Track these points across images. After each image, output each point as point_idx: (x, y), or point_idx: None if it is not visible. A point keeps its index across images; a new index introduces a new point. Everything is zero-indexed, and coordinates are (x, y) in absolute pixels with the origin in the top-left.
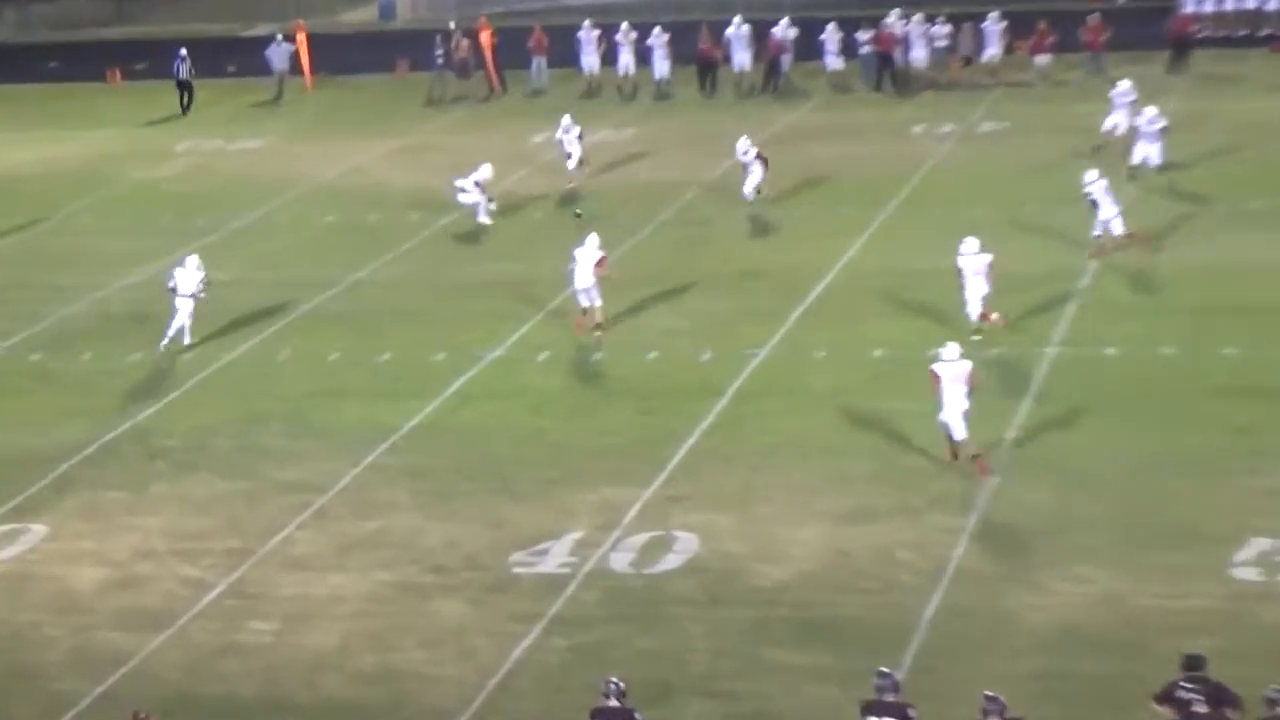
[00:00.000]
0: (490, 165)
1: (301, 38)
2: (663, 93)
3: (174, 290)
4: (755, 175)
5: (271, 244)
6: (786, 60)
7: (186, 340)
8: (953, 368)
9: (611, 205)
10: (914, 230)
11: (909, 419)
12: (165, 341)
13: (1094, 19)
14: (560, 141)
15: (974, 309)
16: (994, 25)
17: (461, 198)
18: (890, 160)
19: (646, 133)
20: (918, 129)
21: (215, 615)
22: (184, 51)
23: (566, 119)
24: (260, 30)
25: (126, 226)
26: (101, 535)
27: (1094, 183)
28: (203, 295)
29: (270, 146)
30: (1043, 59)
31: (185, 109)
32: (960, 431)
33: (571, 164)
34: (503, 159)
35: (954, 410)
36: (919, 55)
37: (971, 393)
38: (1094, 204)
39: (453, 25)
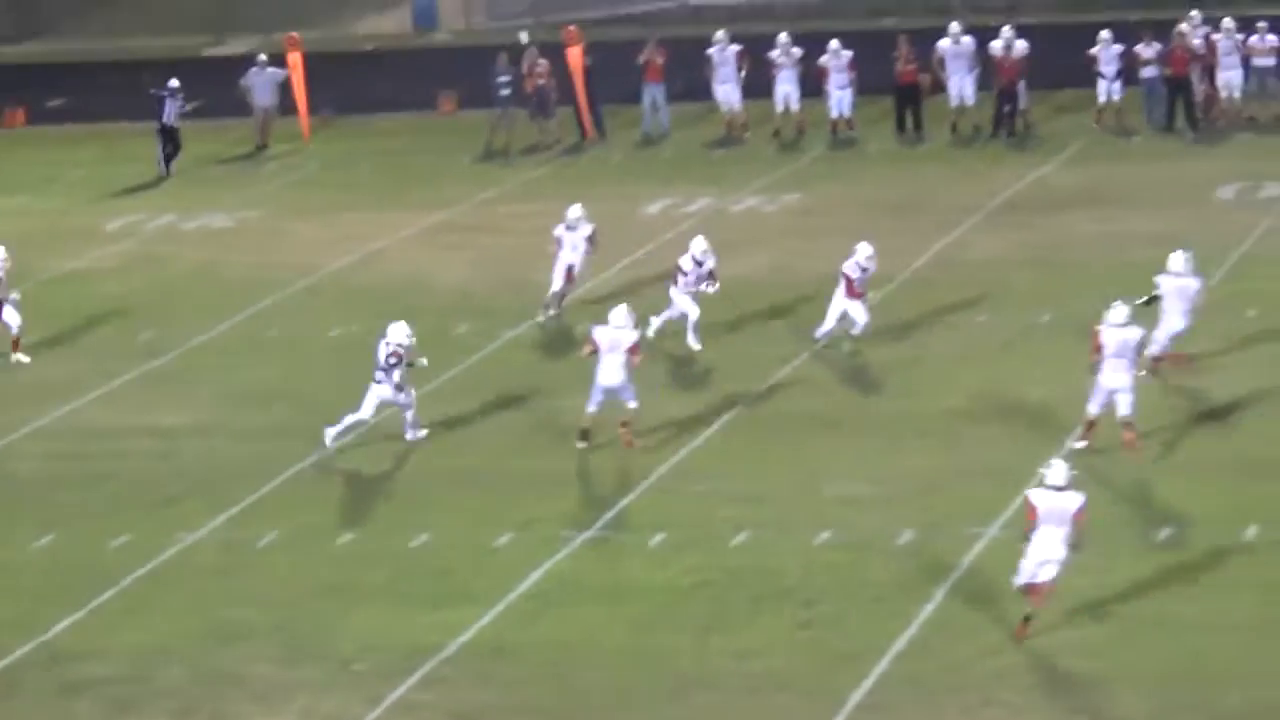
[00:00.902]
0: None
1: (295, 59)
2: (843, 136)
3: None
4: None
5: (251, 371)
6: (1022, 90)
7: None
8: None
9: (765, 308)
10: (1217, 345)
11: (1207, 632)
12: None
13: None
14: (559, 240)
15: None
16: None
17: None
18: (1185, 238)
19: (818, 199)
20: (1227, 191)
21: None
22: (175, 83)
23: (575, 210)
24: (234, 48)
25: (35, 344)
26: None
27: None
28: None
29: (248, 223)
30: None
31: (167, 166)
32: None
33: (558, 279)
34: (602, 239)
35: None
36: (1232, 79)
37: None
38: None
39: (525, 38)
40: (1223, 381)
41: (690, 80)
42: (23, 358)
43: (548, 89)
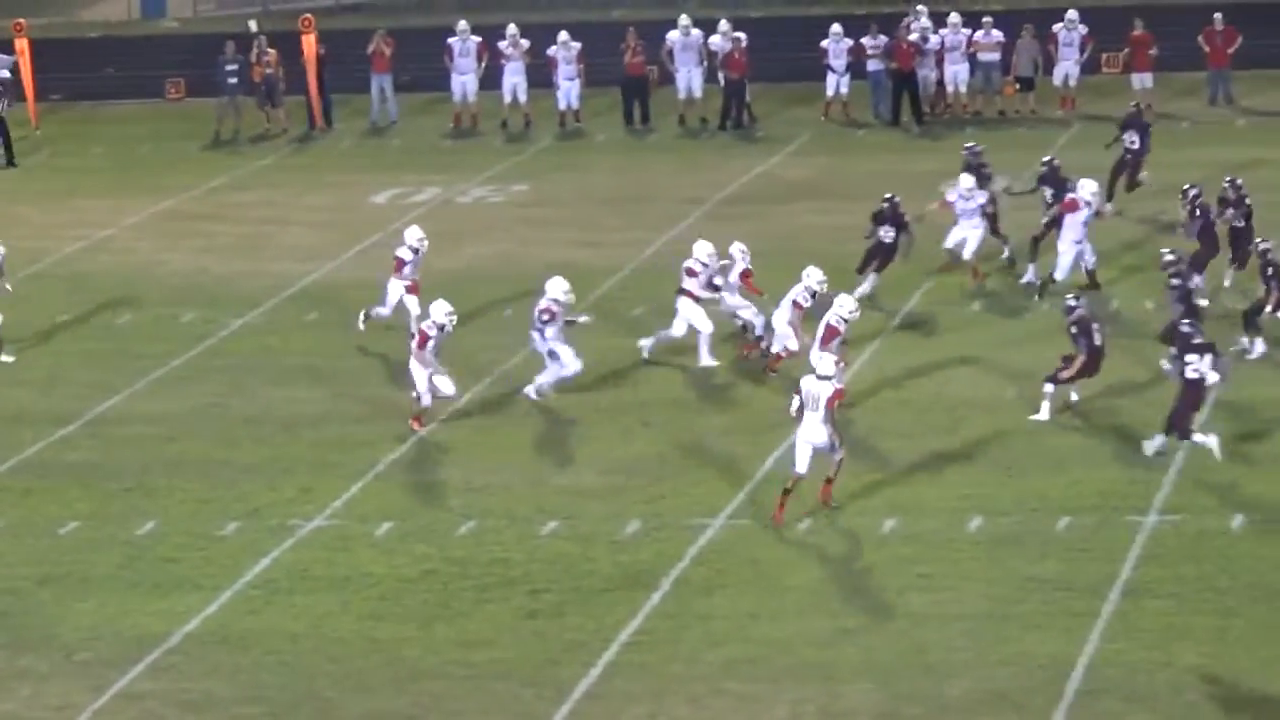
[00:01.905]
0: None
1: (21, 45)
2: (571, 128)
3: None
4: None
5: None
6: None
7: None
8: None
9: (494, 300)
10: (951, 335)
11: (933, 622)
12: None
13: (1218, 20)
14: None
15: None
16: (1070, 31)
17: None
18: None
19: (546, 189)
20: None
21: None
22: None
23: (412, 232)
24: None
25: None
26: None
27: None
28: None
29: None
30: (1142, 79)
31: (8, 155)
32: None
33: (387, 306)
34: (330, 228)
35: None
36: (957, 74)
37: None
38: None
39: (254, 26)
40: (958, 377)
41: (420, 70)
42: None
43: (275, 77)
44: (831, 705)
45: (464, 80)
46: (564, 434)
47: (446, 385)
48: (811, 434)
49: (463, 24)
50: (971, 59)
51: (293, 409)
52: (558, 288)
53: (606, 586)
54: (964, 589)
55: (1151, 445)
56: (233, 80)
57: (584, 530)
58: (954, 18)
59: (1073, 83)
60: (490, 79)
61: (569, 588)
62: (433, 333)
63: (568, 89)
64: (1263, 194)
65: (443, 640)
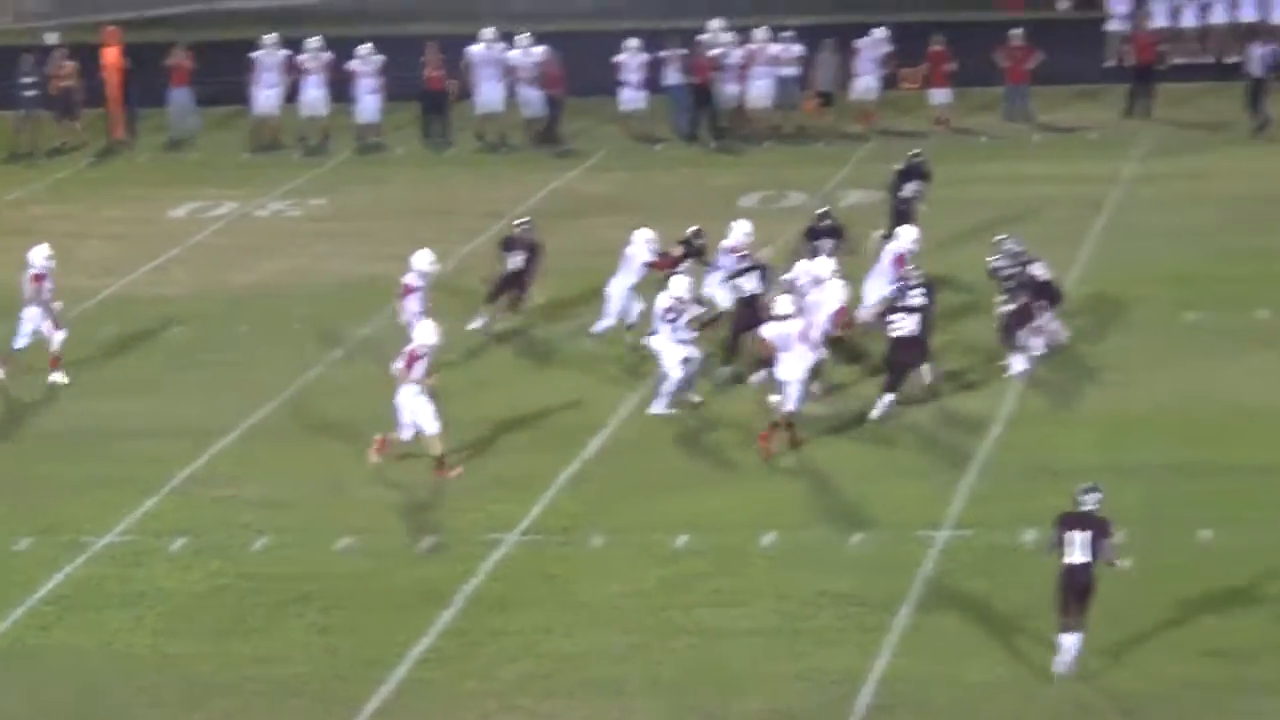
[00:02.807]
0: None
1: None
2: (370, 142)
3: None
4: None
5: None
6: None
7: None
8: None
9: (290, 314)
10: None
11: (725, 637)
12: None
13: (1016, 37)
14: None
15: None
16: (871, 46)
17: None
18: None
19: (345, 203)
20: (750, 199)
21: None
22: None
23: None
24: None
25: None
26: None
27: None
28: None
29: None
30: (940, 95)
31: None
32: None
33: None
34: (128, 242)
35: None
36: (756, 89)
37: None
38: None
39: (53, 39)
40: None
41: (220, 84)
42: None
43: (72, 90)
44: None
45: (267, 95)
46: (360, 450)
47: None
48: (788, 371)
49: (268, 38)
50: (770, 72)
51: (88, 423)
52: (679, 285)
53: (400, 602)
54: (756, 604)
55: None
56: (29, 93)
57: (378, 546)
58: (759, 33)
59: (872, 97)
60: (290, 93)
61: (362, 604)
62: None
63: (368, 103)
64: (1057, 209)
65: (236, 656)
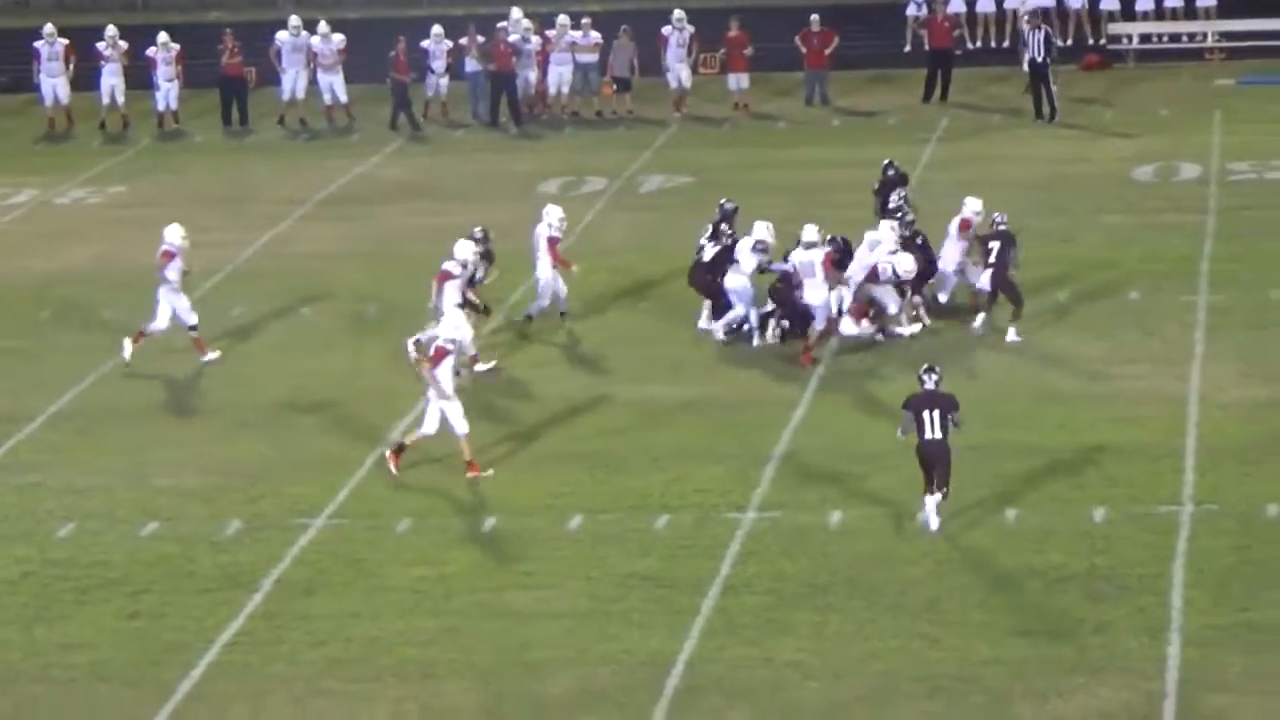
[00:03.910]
0: None
1: None
2: (170, 129)
3: None
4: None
5: None
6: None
7: None
8: None
9: (91, 302)
10: (552, 335)
11: (534, 620)
12: None
13: (815, 22)
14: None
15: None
16: (679, 31)
17: None
18: (503, 235)
19: (145, 190)
20: (551, 185)
21: None
22: None
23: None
24: None
25: None
26: None
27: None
28: None
29: None
30: (738, 80)
31: None
32: None
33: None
34: None
35: None
36: (556, 75)
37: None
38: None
39: None
40: (554, 375)
41: (11, 72)
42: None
43: None
44: (433, 703)
45: (54, 83)
46: (165, 435)
47: (456, 418)
48: (813, 295)
49: (49, 28)
50: (570, 59)
51: None
52: (762, 230)
53: (207, 587)
54: (565, 587)
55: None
56: None
57: (185, 531)
58: (562, 19)
59: (686, 84)
60: (88, 80)
61: (170, 589)
62: (450, 347)
63: (166, 90)
64: (853, 193)
65: (43, 643)
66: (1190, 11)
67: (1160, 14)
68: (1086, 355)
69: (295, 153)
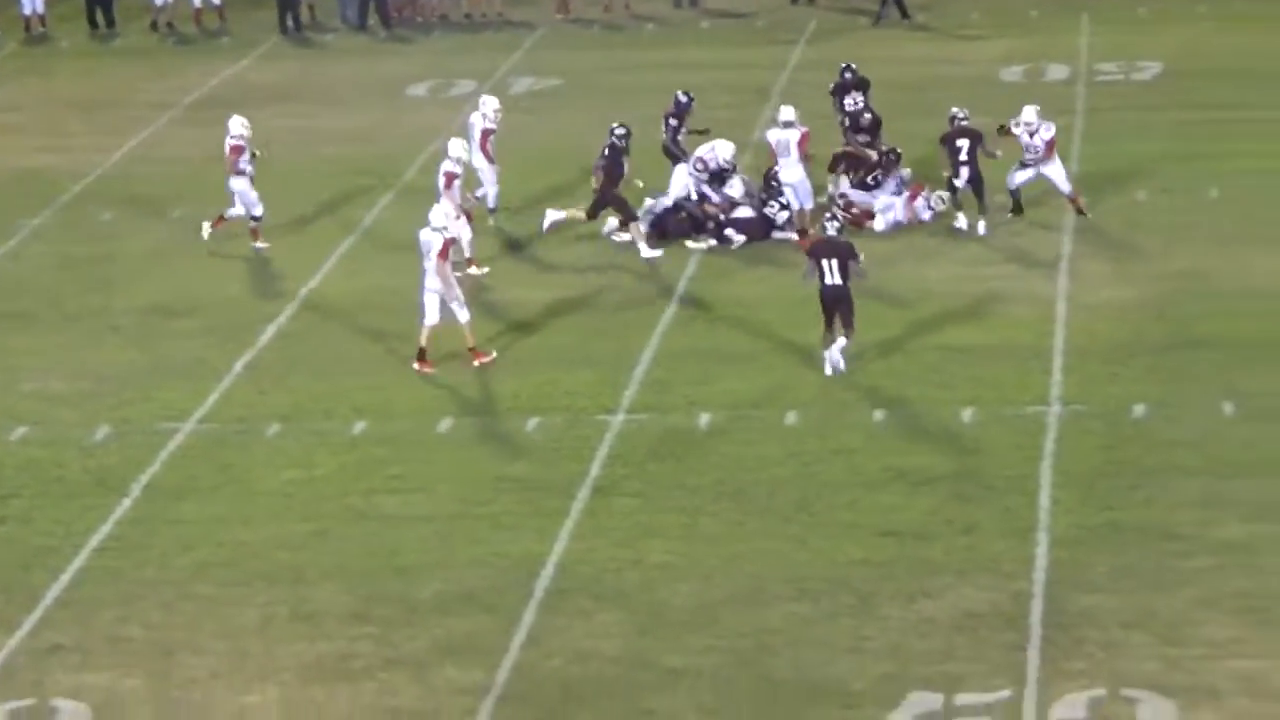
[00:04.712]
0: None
1: None
2: (36, 33)
3: None
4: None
5: None
6: None
7: None
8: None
9: None
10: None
11: (404, 523)
12: None
13: None
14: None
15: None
16: None
17: None
18: (372, 139)
19: (11, 95)
20: (418, 89)
21: None
22: None
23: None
24: None
25: None
26: None
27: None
28: None
29: None
30: None
31: None
32: None
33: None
34: None
35: None
36: None
37: None
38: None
39: None
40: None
41: None
42: (261, 245)
43: None
44: (302, 607)
45: None
46: (32, 341)
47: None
48: (788, 174)
49: None
50: None
51: None
52: (726, 150)
53: (76, 492)
54: (435, 490)
55: None
56: None
57: (53, 436)
58: None
59: None
60: None
61: (38, 493)
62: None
63: None
64: (723, 95)
65: None
66: None
67: None
68: (955, 256)
69: (164, 56)
